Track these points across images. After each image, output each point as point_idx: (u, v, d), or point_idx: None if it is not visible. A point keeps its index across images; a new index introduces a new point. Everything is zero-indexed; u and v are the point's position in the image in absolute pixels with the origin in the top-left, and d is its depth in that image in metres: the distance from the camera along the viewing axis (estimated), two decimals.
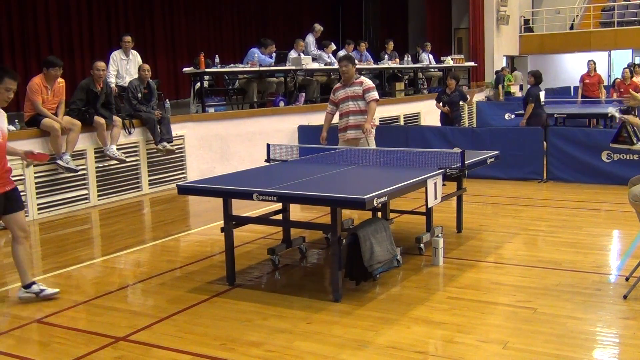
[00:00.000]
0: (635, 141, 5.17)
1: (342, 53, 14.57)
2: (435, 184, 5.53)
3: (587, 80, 15.30)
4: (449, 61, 17.40)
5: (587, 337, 4.23)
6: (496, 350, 4.01)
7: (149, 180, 9.77)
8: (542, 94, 11.29)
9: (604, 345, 4.13)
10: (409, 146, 9.70)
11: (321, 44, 14.11)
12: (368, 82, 7.55)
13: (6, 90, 4.84)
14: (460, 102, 12.07)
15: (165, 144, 9.71)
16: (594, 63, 15.47)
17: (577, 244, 6.36)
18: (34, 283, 5.17)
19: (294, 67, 12.34)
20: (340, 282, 4.93)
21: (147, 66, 9.85)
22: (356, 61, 14.14)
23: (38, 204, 8.28)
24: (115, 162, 9.19)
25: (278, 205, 6.09)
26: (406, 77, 16.51)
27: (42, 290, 5.14)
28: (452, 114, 11.72)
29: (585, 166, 9.41)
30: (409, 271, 5.62)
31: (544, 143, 9.85)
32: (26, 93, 8.43)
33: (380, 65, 15.21)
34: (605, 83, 18.19)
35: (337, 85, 7.70)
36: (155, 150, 9.79)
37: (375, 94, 7.46)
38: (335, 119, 7.83)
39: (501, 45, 21.38)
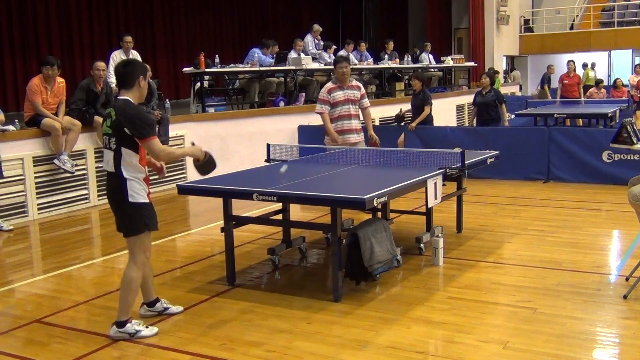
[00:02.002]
0: (635, 141, 5.17)
1: (343, 53, 14.59)
2: (435, 184, 5.53)
3: (567, 81, 15.38)
4: (449, 61, 17.40)
5: (587, 337, 4.23)
6: (496, 350, 4.01)
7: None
8: None
9: (604, 345, 4.13)
10: (407, 146, 9.69)
11: (324, 45, 14.10)
12: (362, 86, 7.69)
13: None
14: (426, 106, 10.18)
15: None
16: (574, 63, 15.69)
17: (577, 244, 6.35)
18: (158, 300, 4.74)
19: (294, 67, 12.35)
20: (340, 282, 4.93)
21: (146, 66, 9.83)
22: (355, 61, 14.18)
23: (38, 204, 8.28)
24: None
25: (278, 205, 6.09)
26: (406, 77, 16.51)
27: (165, 309, 4.73)
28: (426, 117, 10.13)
29: (586, 166, 9.41)
30: (409, 271, 5.61)
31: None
32: (26, 93, 8.44)
33: (380, 65, 15.21)
34: (605, 83, 18.24)
35: (333, 86, 7.42)
36: None
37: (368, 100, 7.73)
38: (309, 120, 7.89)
39: (501, 45, 21.39)
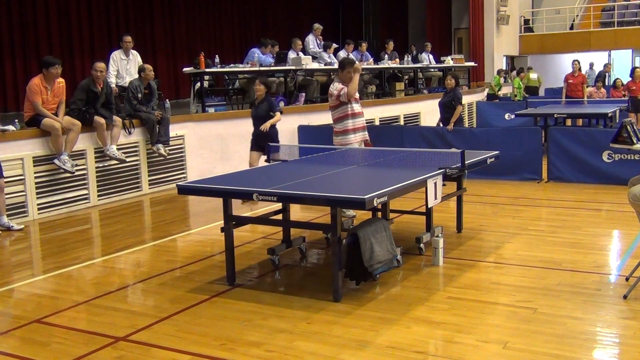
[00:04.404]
0: (635, 141, 5.17)
1: (342, 53, 14.58)
2: (435, 184, 5.53)
3: (571, 81, 15.43)
4: (449, 61, 17.40)
5: (587, 337, 4.23)
6: (496, 350, 4.01)
7: (149, 180, 9.77)
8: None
9: (604, 345, 4.13)
10: (403, 146, 9.68)
11: (324, 45, 14.09)
12: None
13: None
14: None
15: (159, 146, 9.67)
16: (579, 63, 15.70)
17: (577, 244, 6.36)
18: None
19: (294, 67, 12.35)
20: (340, 282, 4.93)
21: (149, 67, 9.84)
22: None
23: (38, 204, 8.28)
24: (115, 162, 9.19)
25: (278, 205, 6.09)
26: (406, 77, 16.52)
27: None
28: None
29: (586, 166, 9.40)
30: (409, 271, 5.62)
31: (544, 143, 9.86)
32: (26, 93, 8.43)
33: (380, 65, 15.21)
34: (605, 83, 18.25)
35: (343, 86, 7.39)
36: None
37: None
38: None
39: (501, 45, 21.39)
